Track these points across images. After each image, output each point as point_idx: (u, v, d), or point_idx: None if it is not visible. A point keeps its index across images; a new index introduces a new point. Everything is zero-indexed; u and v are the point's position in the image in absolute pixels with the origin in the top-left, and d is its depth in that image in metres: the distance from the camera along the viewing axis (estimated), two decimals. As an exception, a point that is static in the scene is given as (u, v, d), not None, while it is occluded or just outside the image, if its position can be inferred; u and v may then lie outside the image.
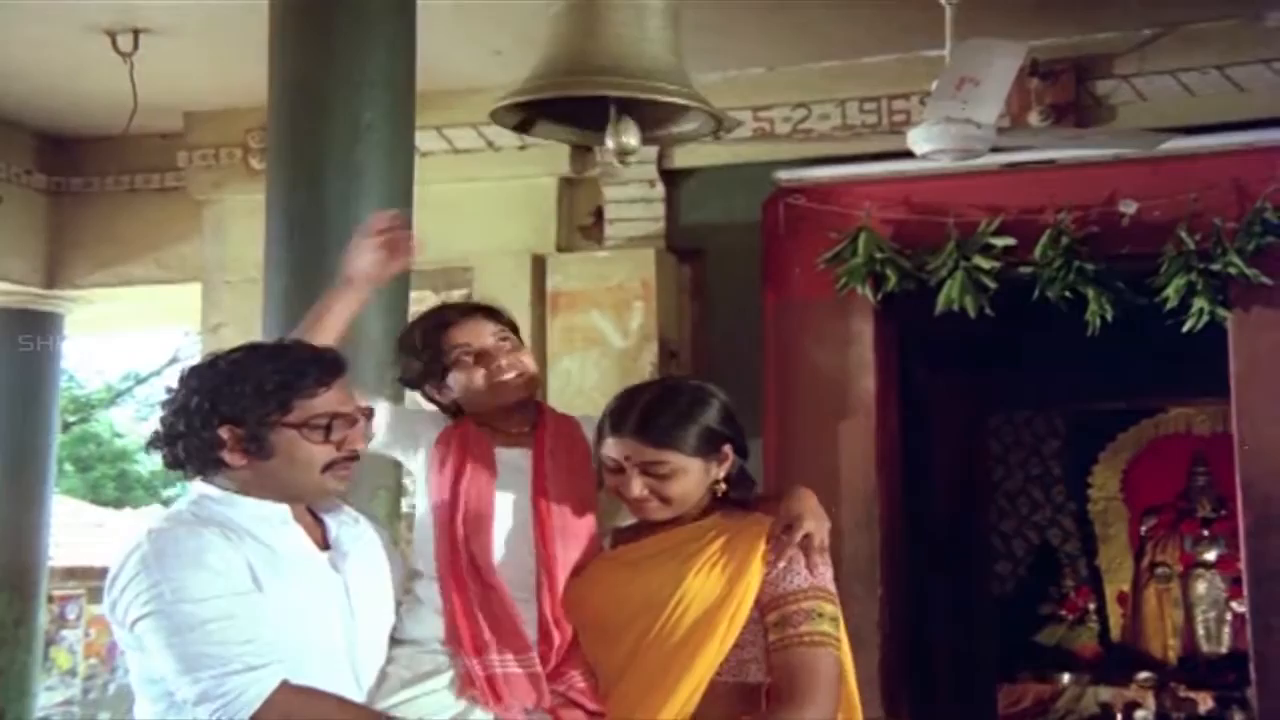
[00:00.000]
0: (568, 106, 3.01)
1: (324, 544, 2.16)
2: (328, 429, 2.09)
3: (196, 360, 2.22)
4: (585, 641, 2.24)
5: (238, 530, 2.05)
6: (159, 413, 2.15)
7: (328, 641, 2.10)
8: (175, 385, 2.13)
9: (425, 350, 2.39)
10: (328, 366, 2.14)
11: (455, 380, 2.37)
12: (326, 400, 2.11)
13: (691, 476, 2.23)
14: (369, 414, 2.21)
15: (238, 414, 2.06)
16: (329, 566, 2.13)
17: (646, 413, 2.22)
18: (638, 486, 2.21)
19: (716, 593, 2.16)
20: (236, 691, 1.93)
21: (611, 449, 2.22)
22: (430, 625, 2.26)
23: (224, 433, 2.06)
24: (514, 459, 2.32)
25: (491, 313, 2.44)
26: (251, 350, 2.16)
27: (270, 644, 1.98)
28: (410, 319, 3.97)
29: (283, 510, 2.11)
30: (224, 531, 2.03)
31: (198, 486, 2.12)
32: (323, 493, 2.15)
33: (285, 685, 1.96)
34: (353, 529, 2.22)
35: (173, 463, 2.13)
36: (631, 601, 2.20)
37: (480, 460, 2.31)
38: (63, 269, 5.93)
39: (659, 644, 2.16)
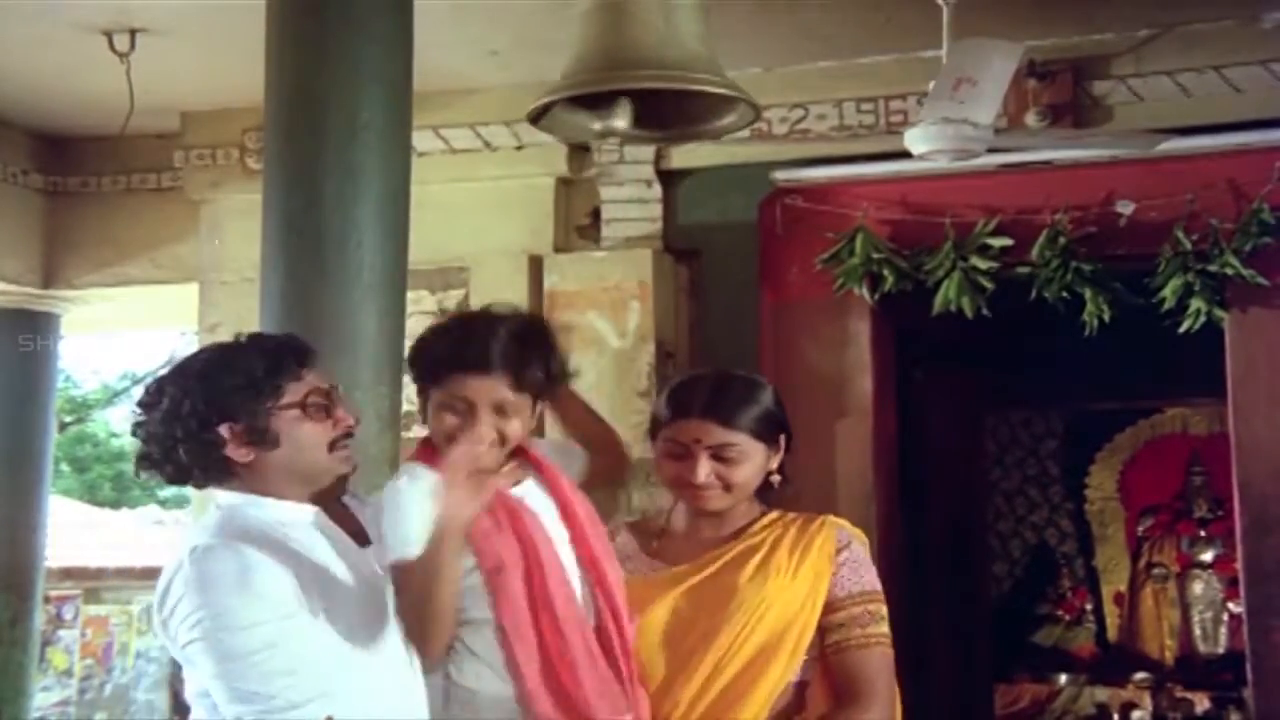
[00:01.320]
0: (593, 104, 2.97)
1: (360, 538, 2.12)
2: (316, 406, 2.07)
3: (161, 371, 2.13)
4: (653, 666, 2.16)
5: (278, 540, 1.99)
6: (142, 431, 2.06)
7: (377, 636, 2.04)
8: (151, 397, 2.06)
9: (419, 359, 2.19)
10: (302, 350, 2.12)
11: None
12: (311, 380, 2.09)
13: (755, 463, 2.23)
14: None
15: (233, 408, 2.02)
16: (371, 561, 2.09)
17: (717, 395, 2.21)
18: (705, 471, 2.18)
19: (796, 601, 2.17)
20: None
21: (679, 432, 2.19)
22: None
23: (224, 430, 2.02)
24: (534, 494, 2.16)
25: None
26: (224, 348, 2.13)
27: (315, 675, 1.92)
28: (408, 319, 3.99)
29: (312, 512, 2.07)
30: (268, 544, 1.97)
31: (222, 497, 2.07)
32: (332, 474, 2.11)
33: None
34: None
35: (175, 475, 2.06)
36: (703, 622, 2.15)
37: (508, 497, 2.12)
38: (59, 269, 5.91)
39: (739, 657, 2.14)
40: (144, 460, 2.07)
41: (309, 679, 1.91)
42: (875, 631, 2.18)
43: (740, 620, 2.16)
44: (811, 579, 2.19)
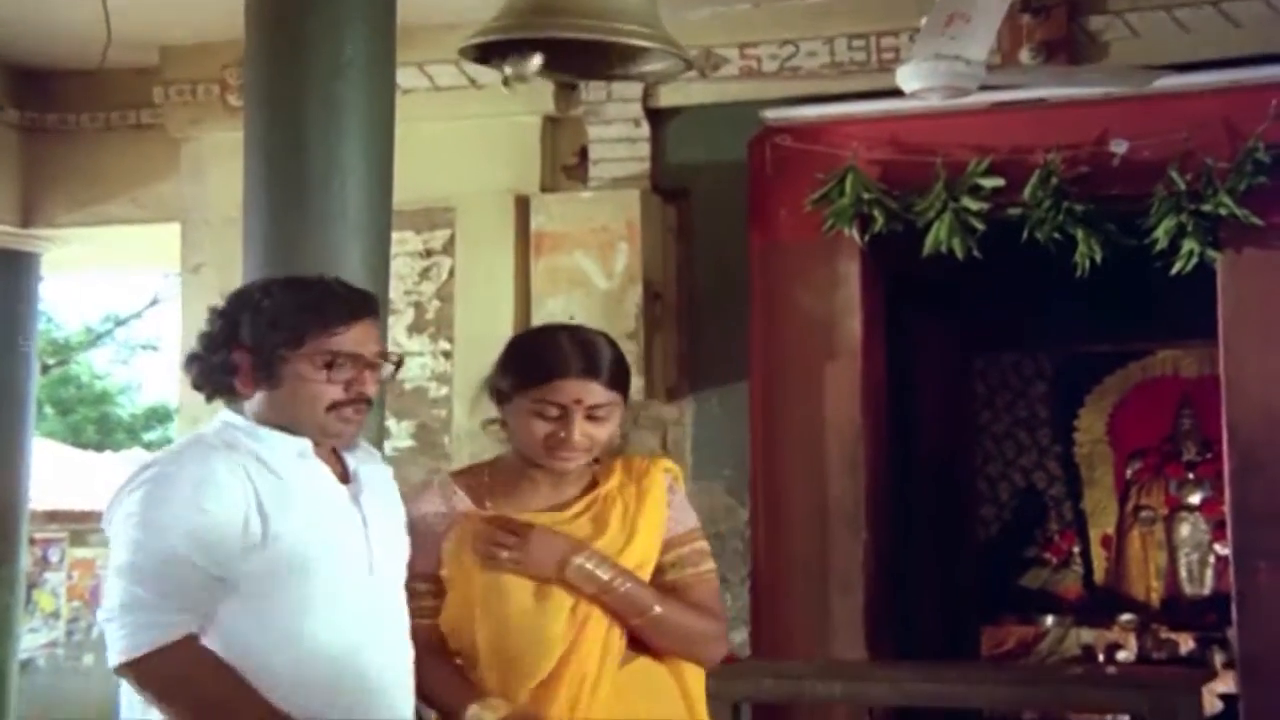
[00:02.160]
0: (540, 43, 2.96)
1: (344, 478, 2.17)
2: (329, 366, 2.09)
3: (241, 287, 2.27)
4: (528, 621, 2.18)
5: (252, 460, 2.06)
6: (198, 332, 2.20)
7: (345, 572, 2.08)
8: (215, 308, 2.19)
9: None
10: (354, 306, 2.14)
11: None
12: (343, 340, 2.10)
13: (616, 421, 2.25)
14: (397, 362, 2.20)
15: (253, 341, 2.09)
16: (349, 500, 2.14)
17: (591, 354, 2.21)
18: (580, 431, 2.18)
19: (648, 542, 2.25)
20: (134, 629, 1.94)
21: (555, 393, 2.18)
22: None
23: (238, 358, 2.10)
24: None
25: None
26: (287, 283, 2.20)
27: (200, 598, 1.97)
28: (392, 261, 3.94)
29: (303, 443, 2.11)
30: (238, 459, 2.05)
31: (223, 415, 2.15)
32: (326, 433, 2.13)
33: (188, 642, 1.94)
34: (370, 465, 2.22)
35: (195, 381, 2.16)
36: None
37: None
38: (39, 208, 5.80)
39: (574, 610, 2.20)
40: (187, 360, 2.17)
41: (191, 599, 1.96)
42: (708, 567, 2.30)
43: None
44: (654, 521, 2.26)
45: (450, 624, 2.21)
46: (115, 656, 1.95)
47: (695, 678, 2.28)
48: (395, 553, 2.19)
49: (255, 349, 2.09)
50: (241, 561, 1.99)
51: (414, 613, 2.20)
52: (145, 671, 1.93)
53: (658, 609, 2.20)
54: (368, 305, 2.15)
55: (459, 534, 2.21)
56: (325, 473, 2.12)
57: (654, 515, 2.26)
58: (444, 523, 2.23)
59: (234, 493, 2.00)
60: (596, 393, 2.19)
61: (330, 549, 2.07)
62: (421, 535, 2.23)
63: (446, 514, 2.23)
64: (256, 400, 2.12)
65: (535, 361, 2.22)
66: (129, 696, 2.03)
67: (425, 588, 2.22)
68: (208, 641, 1.99)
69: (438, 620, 2.22)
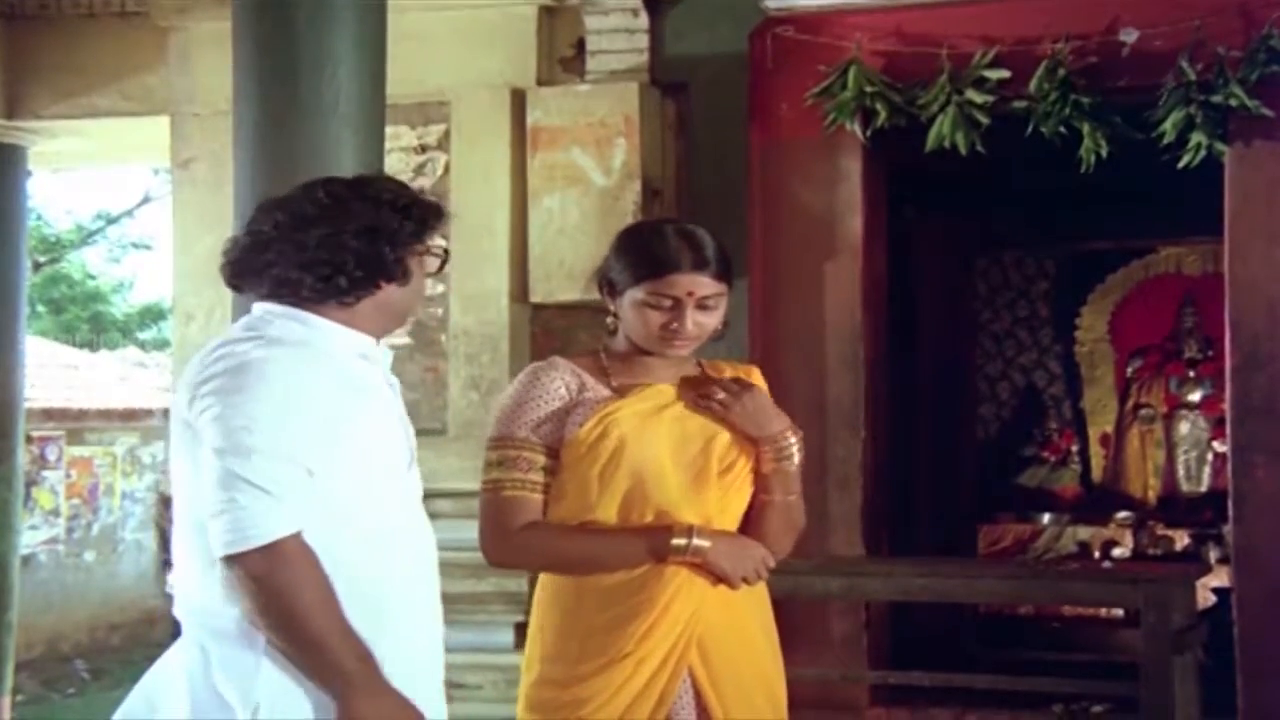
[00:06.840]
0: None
1: None
2: (444, 260, 2.20)
3: (333, 185, 2.17)
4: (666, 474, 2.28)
5: (324, 358, 2.06)
6: (296, 237, 2.06)
7: (394, 466, 2.12)
8: (325, 208, 2.08)
9: None
10: (444, 210, 2.23)
11: None
12: (440, 237, 2.21)
13: (723, 310, 2.35)
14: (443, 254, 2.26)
15: (402, 238, 2.11)
16: (393, 397, 2.18)
17: (702, 248, 2.31)
18: (692, 321, 2.28)
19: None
20: (245, 522, 1.92)
21: (671, 286, 2.27)
22: None
23: (385, 250, 2.09)
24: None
25: None
26: (392, 181, 2.24)
27: (304, 493, 1.97)
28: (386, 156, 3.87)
29: (367, 343, 2.13)
30: (316, 358, 2.04)
31: (289, 313, 2.08)
32: (408, 319, 2.24)
33: (296, 540, 1.95)
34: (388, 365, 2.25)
35: (275, 287, 2.07)
36: (692, 446, 2.31)
37: None
38: (23, 99, 5.66)
39: (732, 471, 2.33)
40: (260, 266, 2.07)
41: (295, 490, 1.97)
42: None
43: (726, 439, 2.35)
44: None
45: (559, 498, 2.29)
46: (222, 548, 1.92)
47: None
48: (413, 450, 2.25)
49: (397, 244, 2.10)
50: (326, 459, 2.00)
51: (528, 484, 2.28)
52: (251, 565, 1.91)
53: (794, 496, 2.36)
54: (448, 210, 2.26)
55: (599, 419, 2.28)
56: (380, 371, 2.17)
57: None
58: (572, 399, 2.30)
59: (321, 390, 2.01)
60: (706, 285, 2.28)
61: (384, 444, 2.11)
62: (548, 410, 2.29)
63: (577, 390, 2.31)
64: (371, 298, 2.10)
65: (648, 256, 2.30)
66: (129, 703, 2.05)
67: (551, 464, 2.29)
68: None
69: (545, 496, 2.30)
